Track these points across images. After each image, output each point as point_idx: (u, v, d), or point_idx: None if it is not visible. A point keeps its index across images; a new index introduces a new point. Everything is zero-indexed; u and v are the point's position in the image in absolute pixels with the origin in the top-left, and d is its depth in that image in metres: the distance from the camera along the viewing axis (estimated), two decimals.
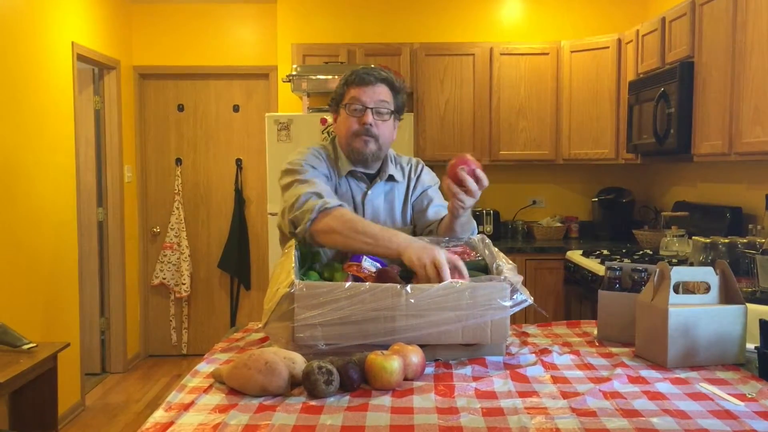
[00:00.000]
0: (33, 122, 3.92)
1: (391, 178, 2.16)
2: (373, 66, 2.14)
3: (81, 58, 4.57)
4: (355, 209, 2.12)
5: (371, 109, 2.04)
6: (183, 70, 5.56)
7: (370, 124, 2.04)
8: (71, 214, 4.42)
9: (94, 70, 5.08)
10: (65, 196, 4.33)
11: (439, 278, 1.63)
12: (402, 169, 2.22)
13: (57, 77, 4.23)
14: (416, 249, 1.72)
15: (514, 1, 5.10)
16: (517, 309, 1.63)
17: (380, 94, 2.06)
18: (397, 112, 2.12)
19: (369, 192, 2.14)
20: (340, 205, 1.91)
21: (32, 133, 3.91)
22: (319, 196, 1.92)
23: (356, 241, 1.83)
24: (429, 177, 2.26)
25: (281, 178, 2.08)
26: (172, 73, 5.58)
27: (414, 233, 2.17)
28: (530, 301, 1.65)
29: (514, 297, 1.62)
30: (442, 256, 1.67)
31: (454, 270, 1.66)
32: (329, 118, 4.33)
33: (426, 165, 2.30)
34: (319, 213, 1.88)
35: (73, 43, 4.41)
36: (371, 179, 2.15)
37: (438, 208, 2.18)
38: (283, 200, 2.03)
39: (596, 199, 5.01)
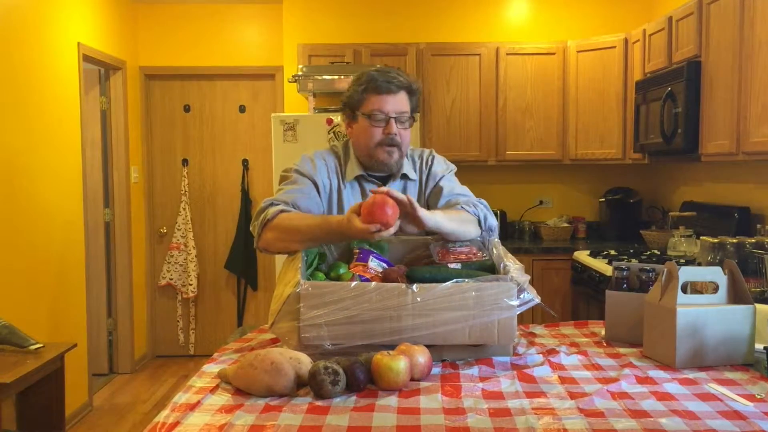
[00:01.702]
0: (39, 123, 3.94)
1: (404, 176, 2.11)
2: (388, 70, 2.06)
3: (87, 58, 4.58)
4: None
5: (394, 118, 2.00)
6: (189, 71, 5.57)
7: (395, 134, 2.00)
8: (78, 214, 4.43)
9: (100, 70, 5.09)
10: (72, 196, 4.34)
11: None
12: (414, 163, 2.17)
13: (63, 78, 4.24)
14: (350, 220, 1.73)
15: (521, 1, 5.08)
16: (524, 308, 1.62)
17: (401, 102, 2.01)
18: (413, 113, 2.08)
19: None
20: (281, 211, 1.90)
21: (38, 134, 3.92)
22: (273, 205, 1.92)
23: (297, 243, 1.85)
24: (440, 167, 2.18)
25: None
26: (178, 74, 5.59)
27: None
28: (537, 300, 1.64)
29: (521, 296, 1.62)
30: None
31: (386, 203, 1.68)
32: (335, 118, 4.34)
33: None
34: (262, 229, 1.91)
35: (79, 43, 4.42)
36: (385, 179, 2.11)
37: (448, 198, 2.10)
38: None
39: (603, 200, 4.99)
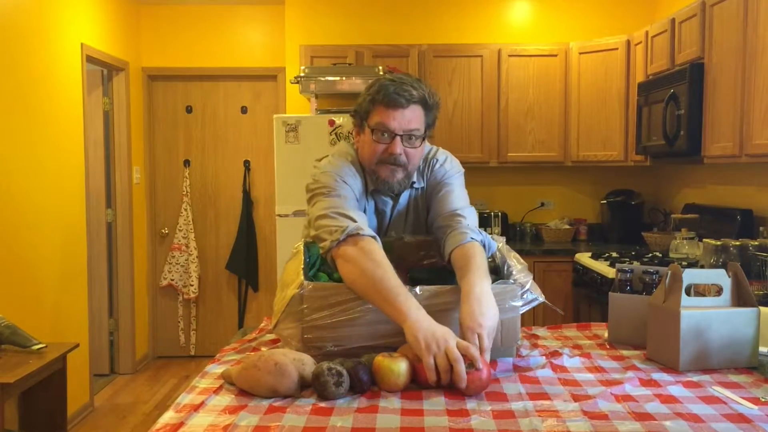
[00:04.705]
0: (42, 123, 3.94)
1: (412, 184, 1.97)
2: (405, 80, 1.83)
3: (90, 59, 4.59)
4: (382, 223, 1.96)
5: (401, 136, 1.80)
6: (191, 72, 5.57)
7: (399, 154, 1.80)
8: (80, 215, 4.43)
9: (103, 71, 5.09)
10: (74, 197, 4.34)
11: (449, 372, 1.43)
12: (421, 167, 1.97)
13: (66, 78, 4.24)
14: (425, 329, 1.46)
15: (523, 3, 5.08)
16: (528, 307, 1.62)
17: (411, 120, 1.80)
18: (428, 129, 1.86)
19: (397, 205, 1.96)
20: (372, 237, 1.67)
21: (41, 134, 3.92)
22: (352, 219, 1.70)
23: (365, 287, 1.57)
24: (441, 171, 1.97)
25: (309, 184, 1.88)
26: (181, 75, 5.59)
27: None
28: (542, 299, 1.64)
29: (525, 296, 1.61)
30: (455, 349, 1.42)
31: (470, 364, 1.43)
32: (337, 119, 4.34)
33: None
34: (348, 236, 1.66)
35: (82, 44, 4.42)
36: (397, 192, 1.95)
37: (444, 194, 1.92)
38: (309, 210, 1.85)
39: (605, 201, 4.98)
